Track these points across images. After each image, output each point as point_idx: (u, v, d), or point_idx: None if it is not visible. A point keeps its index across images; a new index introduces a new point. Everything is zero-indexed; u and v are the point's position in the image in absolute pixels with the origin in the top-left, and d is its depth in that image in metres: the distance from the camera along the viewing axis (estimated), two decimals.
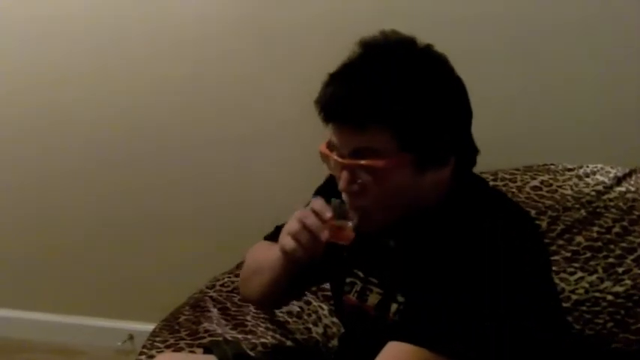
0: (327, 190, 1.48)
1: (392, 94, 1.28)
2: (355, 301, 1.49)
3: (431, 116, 1.30)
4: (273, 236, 1.56)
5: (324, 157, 1.37)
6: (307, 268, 1.45)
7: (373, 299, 1.46)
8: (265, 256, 1.52)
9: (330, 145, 1.36)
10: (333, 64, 1.34)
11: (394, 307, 1.41)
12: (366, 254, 1.48)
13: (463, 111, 1.36)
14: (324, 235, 1.35)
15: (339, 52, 1.34)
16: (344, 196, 1.36)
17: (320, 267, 1.49)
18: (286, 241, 1.39)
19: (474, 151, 1.40)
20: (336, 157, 1.34)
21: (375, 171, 1.30)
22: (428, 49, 1.35)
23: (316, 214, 1.35)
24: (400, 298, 1.40)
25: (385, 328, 1.39)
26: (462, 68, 1.36)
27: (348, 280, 1.51)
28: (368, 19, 1.32)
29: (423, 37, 1.34)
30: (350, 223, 1.35)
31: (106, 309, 2.85)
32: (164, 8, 2.52)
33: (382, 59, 1.32)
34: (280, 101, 2.48)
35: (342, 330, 1.68)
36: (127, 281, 2.79)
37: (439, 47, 1.35)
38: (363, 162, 1.30)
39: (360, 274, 1.49)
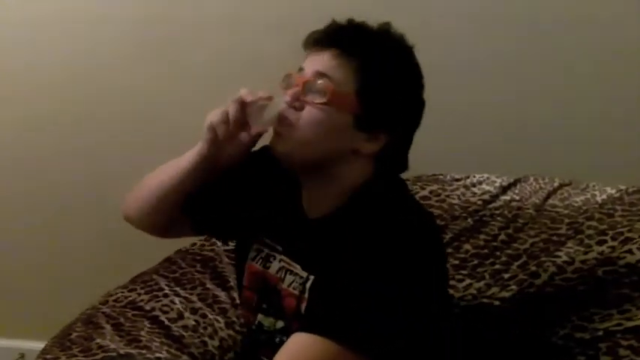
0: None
1: (370, 46, 1.39)
2: (259, 269, 1.52)
3: (391, 82, 1.39)
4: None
5: (287, 77, 1.43)
6: (219, 180, 1.52)
7: (275, 266, 1.49)
8: (168, 164, 1.55)
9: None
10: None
11: (290, 278, 1.45)
12: (277, 224, 1.51)
13: (415, 101, 1.45)
14: (251, 95, 1.40)
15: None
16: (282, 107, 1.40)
17: (231, 200, 1.55)
18: (213, 115, 1.43)
19: (404, 160, 1.48)
20: (297, 74, 1.41)
21: (323, 95, 1.36)
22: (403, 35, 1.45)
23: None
24: (302, 272, 1.44)
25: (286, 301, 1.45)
26: None
27: (255, 246, 1.54)
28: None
29: None
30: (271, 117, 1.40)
31: None
32: None
33: (367, 27, 1.43)
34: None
35: (239, 343, 1.68)
36: (17, 298, 2.72)
37: None
38: (320, 81, 1.38)
39: (268, 241, 1.52)
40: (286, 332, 1.44)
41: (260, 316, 1.53)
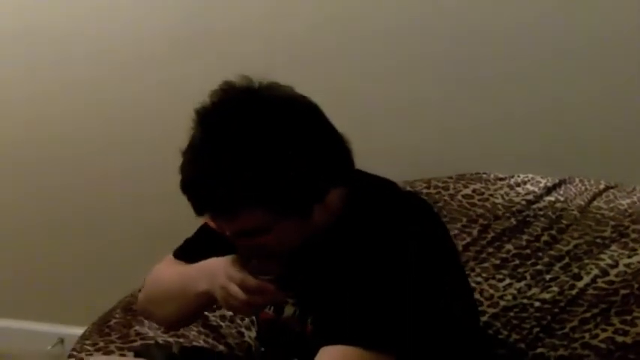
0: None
1: (249, 174, 1.28)
2: (272, 315, 1.52)
3: (293, 179, 1.31)
4: (183, 252, 1.59)
5: (218, 231, 1.41)
6: None
7: (289, 311, 1.50)
8: (181, 285, 1.51)
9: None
10: None
11: (310, 318, 1.45)
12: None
13: (326, 152, 1.36)
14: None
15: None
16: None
17: None
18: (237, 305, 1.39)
19: (346, 159, 1.40)
20: (227, 234, 1.38)
21: (262, 234, 1.34)
22: (276, 101, 1.34)
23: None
24: (315, 309, 1.44)
25: (304, 339, 1.44)
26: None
27: None
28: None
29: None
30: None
31: (35, 312, 2.81)
32: None
33: (227, 134, 1.30)
34: None
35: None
36: (57, 284, 2.75)
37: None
38: (251, 240, 1.35)
39: None
40: None
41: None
